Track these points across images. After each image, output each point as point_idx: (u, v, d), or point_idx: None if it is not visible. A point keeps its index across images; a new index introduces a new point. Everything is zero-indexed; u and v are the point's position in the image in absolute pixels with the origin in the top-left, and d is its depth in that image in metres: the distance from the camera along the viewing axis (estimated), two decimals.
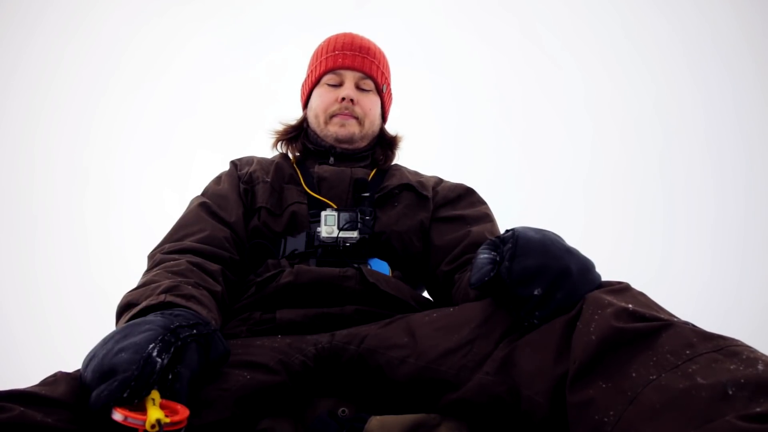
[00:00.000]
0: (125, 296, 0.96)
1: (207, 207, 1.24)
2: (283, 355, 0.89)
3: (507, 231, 0.83)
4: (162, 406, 0.65)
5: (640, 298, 0.73)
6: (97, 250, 3.14)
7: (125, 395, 0.63)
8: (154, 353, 0.67)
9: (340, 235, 1.17)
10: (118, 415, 0.63)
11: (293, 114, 1.52)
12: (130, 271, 1.24)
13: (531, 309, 0.75)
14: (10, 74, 3.22)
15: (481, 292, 0.90)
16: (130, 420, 0.62)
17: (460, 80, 3.66)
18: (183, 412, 0.67)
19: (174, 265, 1.03)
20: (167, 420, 0.63)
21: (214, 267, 1.09)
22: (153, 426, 0.62)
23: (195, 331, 0.76)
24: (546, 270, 0.75)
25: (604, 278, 0.80)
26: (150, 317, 0.78)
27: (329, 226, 1.19)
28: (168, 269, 1.01)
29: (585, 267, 0.78)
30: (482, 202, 1.36)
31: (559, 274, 0.74)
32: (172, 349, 0.70)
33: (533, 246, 0.77)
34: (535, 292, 0.74)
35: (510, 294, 0.77)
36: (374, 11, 3.51)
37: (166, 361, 0.68)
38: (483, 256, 0.83)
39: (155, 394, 0.66)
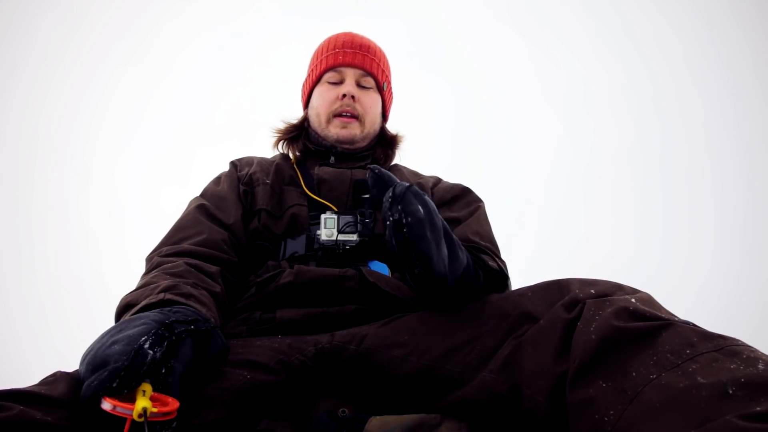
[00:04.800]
0: (124, 298, 0.96)
1: (205, 209, 1.23)
2: (283, 355, 0.89)
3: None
4: (153, 399, 0.65)
5: (641, 297, 0.73)
6: (97, 248, 3.14)
7: (114, 385, 0.63)
8: (146, 345, 0.67)
9: (339, 238, 1.17)
10: (106, 405, 0.63)
11: (294, 113, 1.52)
12: (131, 269, 1.24)
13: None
14: (12, 71, 3.22)
15: None
16: (118, 409, 0.63)
17: (459, 79, 3.66)
18: (173, 404, 0.67)
19: (172, 267, 1.03)
20: (154, 410, 0.63)
21: (212, 269, 1.09)
22: (140, 415, 0.62)
23: (192, 327, 0.76)
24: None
25: (605, 277, 0.79)
26: (146, 313, 0.78)
27: (329, 229, 1.18)
28: (166, 271, 1.01)
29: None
30: (477, 201, 1.36)
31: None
32: (166, 343, 0.70)
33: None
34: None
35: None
36: (375, 10, 3.51)
37: (158, 354, 0.68)
38: None
39: (146, 387, 0.66)
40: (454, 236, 0.92)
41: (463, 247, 0.95)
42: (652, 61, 3.53)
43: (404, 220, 0.81)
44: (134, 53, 3.41)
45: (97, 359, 0.67)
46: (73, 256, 3.12)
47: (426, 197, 0.87)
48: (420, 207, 0.83)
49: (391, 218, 0.82)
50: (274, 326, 1.02)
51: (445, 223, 0.90)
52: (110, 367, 0.64)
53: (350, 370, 0.91)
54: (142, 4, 3.44)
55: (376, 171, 0.94)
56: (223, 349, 0.81)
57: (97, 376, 0.64)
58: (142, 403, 0.63)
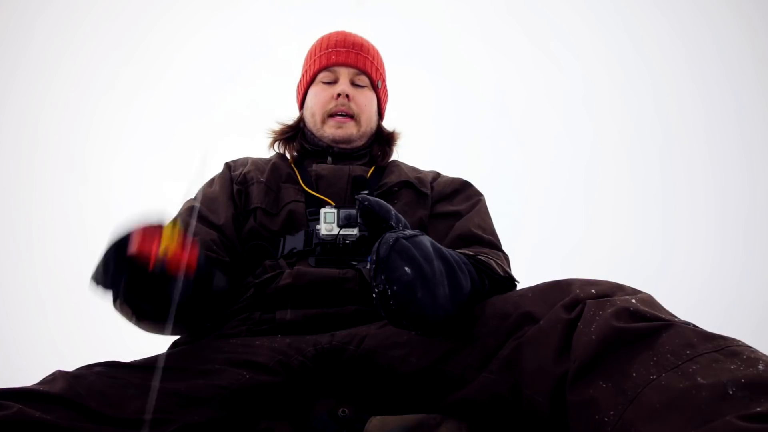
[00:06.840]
0: None
1: (195, 211, 1.23)
2: (283, 356, 0.89)
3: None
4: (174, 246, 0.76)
5: (641, 297, 0.73)
6: (97, 246, 3.13)
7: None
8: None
9: (341, 232, 1.17)
10: (134, 237, 0.74)
11: (292, 113, 1.52)
12: None
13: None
14: (12, 70, 3.22)
15: None
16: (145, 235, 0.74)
17: (460, 79, 3.66)
18: (193, 252, 0.78)
19: None
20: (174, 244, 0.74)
21: None
22: (161, 254, 0.73)
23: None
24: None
25: (607, 276, 0.79)
26: None
27: (329, 223, 1.16)
28: None
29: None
30: (478, 195, 1.36)
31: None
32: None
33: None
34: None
35: None
36: (375, 10, 3.51)
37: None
38: None
39: (173, 228, 0.76)
40: (453, 259, 0.85)
41: (465, 264, 0.88)
42: (652, 61, 3.53)
43: (389, 291, 0.74)
44: (136, 51, 3.41)
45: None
46: (73, 255, 3.12)
47: (415, 244, 0.79)
48: (407, 267, 0.75)
49: (375, 290, 0.75)
50: (274, 326, 1.02)
51: (443, 251, 0.84)
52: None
53: (350, 370, 0.91)
54: (143, 2, 3.45)
55: (365, 203, 0.89)
56: (226, 285, 0.87)
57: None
58: (168, 238, 0.74)
